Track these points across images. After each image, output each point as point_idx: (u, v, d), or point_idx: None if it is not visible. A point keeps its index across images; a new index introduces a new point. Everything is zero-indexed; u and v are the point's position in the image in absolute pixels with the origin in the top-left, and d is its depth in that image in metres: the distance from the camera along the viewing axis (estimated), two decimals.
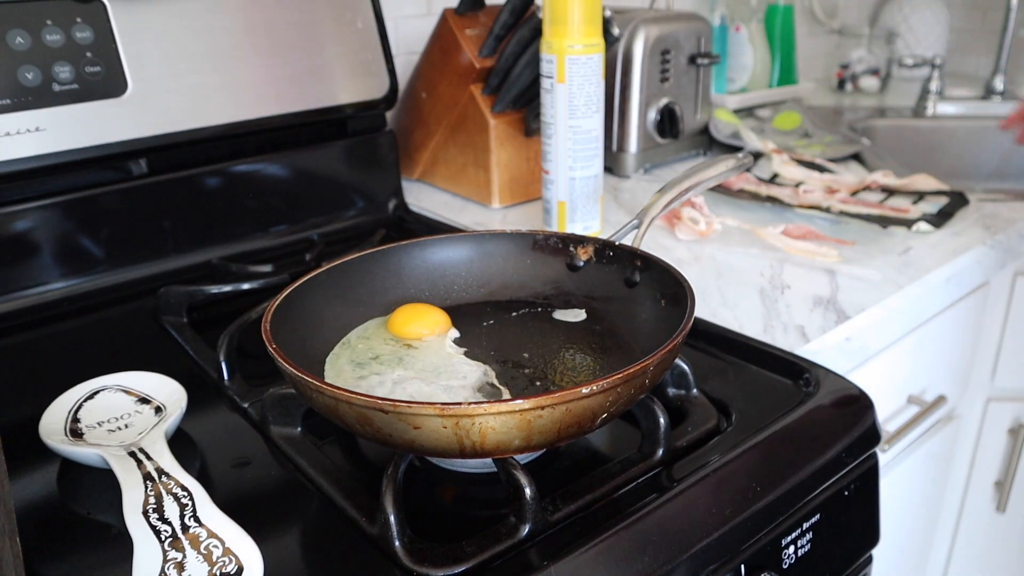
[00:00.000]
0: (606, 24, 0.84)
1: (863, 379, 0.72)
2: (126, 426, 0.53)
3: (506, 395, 0.51)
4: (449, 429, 0.40)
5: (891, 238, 0.86)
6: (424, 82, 1.04)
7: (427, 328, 0.58)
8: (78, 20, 0.73)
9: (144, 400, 0.56)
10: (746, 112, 1.44)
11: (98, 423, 0.53)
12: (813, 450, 0.53)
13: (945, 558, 1.16)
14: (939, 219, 0.89)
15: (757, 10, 1.44)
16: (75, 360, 0.67)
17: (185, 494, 0.45)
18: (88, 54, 0.74)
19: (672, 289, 0.54)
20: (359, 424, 0.43)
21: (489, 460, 0.44)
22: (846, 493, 0.54)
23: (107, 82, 0.75)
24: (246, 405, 0.57)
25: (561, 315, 0.61)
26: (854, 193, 0.98)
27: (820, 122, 1.33)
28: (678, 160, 1.17)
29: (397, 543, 0.42)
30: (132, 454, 0.49)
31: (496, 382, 0.52)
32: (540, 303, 0.63)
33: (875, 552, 0.59)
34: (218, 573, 0.39)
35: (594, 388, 0.41)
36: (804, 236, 0.86)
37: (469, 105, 0.98)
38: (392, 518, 0.42)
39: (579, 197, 0.84)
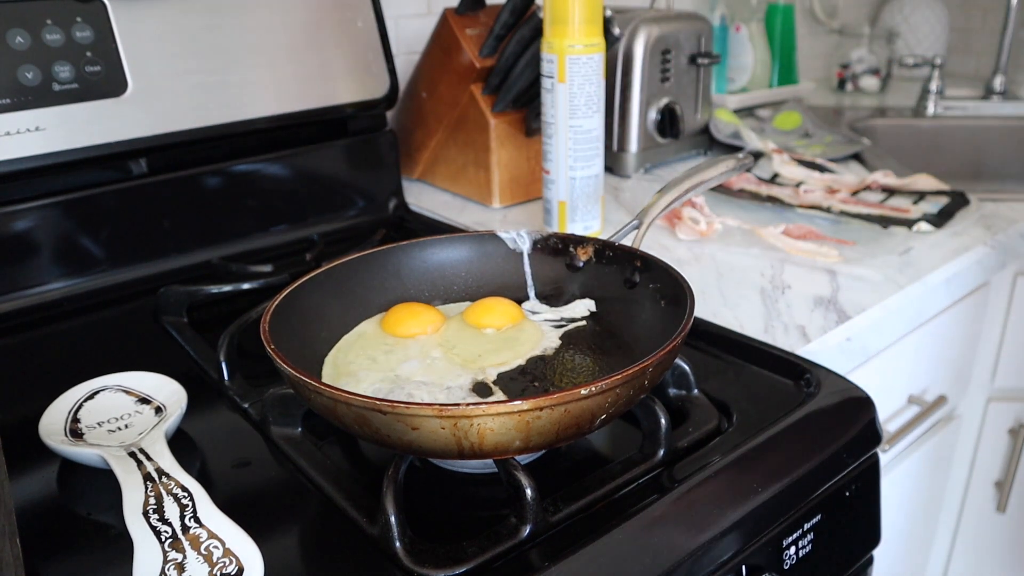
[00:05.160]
0: (607, 24, 0.84)
1: (863, 379, 0.72)
2: (126, 426, 0.53)
3: (501, 396, 0.51)
4: (447, 430, 0.40)
5: (892, 238, 0.86)
6: (424, 82, 1.04)
7: (420, 327, 0.58)
8: (78, 20, 0.73)
9: (144, 400, 0.56)
10: (746, 112, 1.44)
11: (98, 423, 0.53)
12: (814, 450, 0.53)
13: (945, 558, 1.16)
14: (940, 219, 0.89)
15: (757, 10, 1.44)
16: (75, 360, 0.67)
17: (185, 495, 0.45)
18: (88, 54, 0.74)
19: (672, 290, 0.54)
20: (357, 425, 0.43)
21: (490, 460, 0.44)
22: (847, 493, 0.54)
23: (107, 82, 0.75)
24: (246, 405, 0.57)
25: (568, 311, 0.61)
26: (855, 193, 0.98)
27: (820, 122, 1.33)
28: (678, 160, 1.17)
29: (398, 544, 0.42)
30: (132, 454, 0.49)
31: (493, 383, 0.52)
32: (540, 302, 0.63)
33: (876, 552, 0.59)
34: (218, 574, 0.39)
35: (593, 389, 0.41)
36: (805, 236, 0.86)
37: (469, 105, 0.97)
38: (393, 519, 0.42)
39: (579, 197, 0.84)
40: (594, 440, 0.54)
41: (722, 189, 1.00)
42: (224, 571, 0.39)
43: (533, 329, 0.58)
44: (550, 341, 0.57)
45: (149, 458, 0.48)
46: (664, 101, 1.10)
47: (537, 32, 0.87)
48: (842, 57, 1.72)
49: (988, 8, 1.79)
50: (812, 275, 0.78)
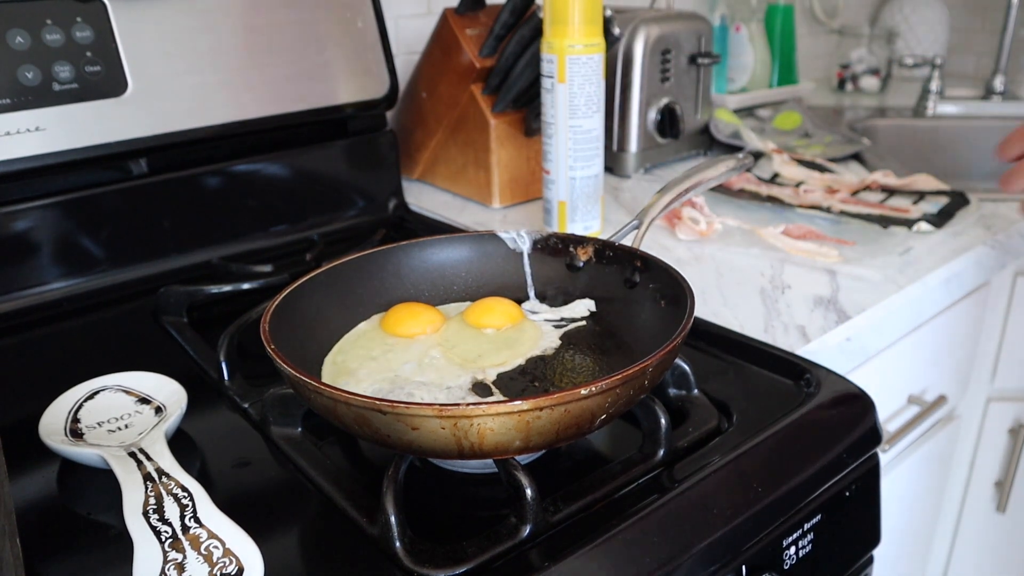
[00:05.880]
0: (607, 24, 0.84)
1: (863, 379, 0.72)
2: (126, 426, 0.53)
3: (500, 396, 0.51)
4: (447, 430, 0.40)
5: (892, 238, 0.86)
6: (424, 82, 1.04)
7: (420, 327, 0.58)
8: (78, 20, 0.73)
9: (144, 400, 0.56)
10: (746, 112, 1.44)
11: (98, 423, 0.53)
12: (814, 450, 0.53)
13: (945, 558, 1.16)
14: (940, 219, 0.89)
15: (757, 10, 1.44)
16: (75, 360, 0.67)
17: (185, 495, 0.45)
18: (88, 54, 0.73)
19: (672, 290, 0.54)
20: (357, 425, 0.43)
21: (490, 460, 0.44)
22: (847, 493, 0.54)
23: (107, 82, 0.75)
24: (246, 405, 0.57)
25: (568, 311, 0.61)
26: (854, 193, 0.98)
27: (820, 122, 1.33)
28: (678, 160, 1.17)
29: (398, 544, 0.42)
30: (132, 454, 0.49)
31: (493, 383, 0.52)
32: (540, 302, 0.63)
33: (876, 552, 0.59)
34: (218, 574, 0.39)
35: (593, 389, 0.41)
36: (804, 236, 0.86)
37: (469, 105, 0.97)
38: (393, 519, 0.42)
39: (579, 197, 0.84)
40: (594, 440, 0.54)
41: (722, 189, 1.00)
42: (224, 571, 0.39)
43: (533, 329, 0.58)
44: (550, 341, 0.57)
45: (149, 458, 0.48)
46: (664, 101, 1.10)
47: (537, 32, 0.87)
48: (842, 57, 1.72)
49: (988, 8, 1.79)
50: (812, 275, 0.78)
